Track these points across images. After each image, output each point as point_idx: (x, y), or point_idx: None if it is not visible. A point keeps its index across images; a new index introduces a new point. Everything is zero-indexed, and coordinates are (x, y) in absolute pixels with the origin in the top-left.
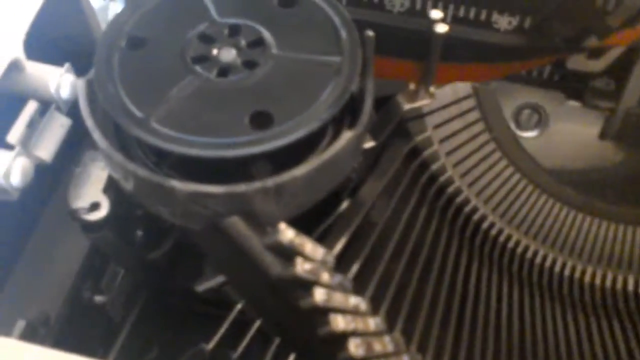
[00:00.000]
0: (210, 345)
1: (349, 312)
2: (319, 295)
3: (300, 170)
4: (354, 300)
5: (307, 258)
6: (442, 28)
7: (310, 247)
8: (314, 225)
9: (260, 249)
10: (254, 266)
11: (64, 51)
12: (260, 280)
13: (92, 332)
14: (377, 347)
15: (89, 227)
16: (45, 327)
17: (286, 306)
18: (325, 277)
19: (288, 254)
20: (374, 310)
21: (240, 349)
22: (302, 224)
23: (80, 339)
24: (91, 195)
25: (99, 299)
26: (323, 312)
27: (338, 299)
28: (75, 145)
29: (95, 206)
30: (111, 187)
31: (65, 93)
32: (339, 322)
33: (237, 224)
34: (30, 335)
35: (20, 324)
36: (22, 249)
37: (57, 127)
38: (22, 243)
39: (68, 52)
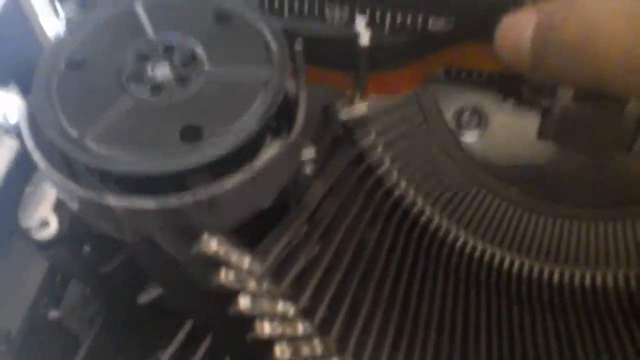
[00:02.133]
0: (166, 354)
1: (277, 318)
2: (243, 302)
3: (232, 181)
4: (282, 306)
5: (233, 267)
6: (364, 39)
7: (235, 256)
8: (263, 234)
9: (188, 260)
10: (184, 277)
11: (11, 69)
12: (192, 291)
13: (54, 348)
14: (305, 350)
15: (41, 245)
16: (6, 343)
17: (218, 314)
18: (251, 285)
19: (216, 262)
20: (309, 315)
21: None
22: (251, 234)
23: (41, 355)
24: (41, 213)
25: (53, 314)
26: (251, 319)
27: (264, 305)
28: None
29: (44, 224)
30: (62, 205)
31: (12, 117)
32: (265, 328)
33: (167, 235)
34: None
35: None
36: None
37: (5, 150)
38: None
39: (15, 71)
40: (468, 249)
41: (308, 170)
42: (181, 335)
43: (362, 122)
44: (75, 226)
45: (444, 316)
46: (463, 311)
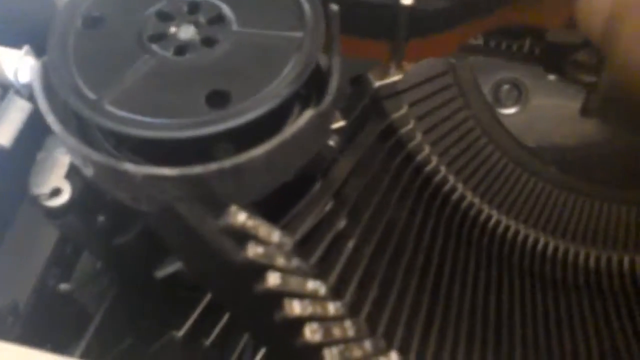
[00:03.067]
0: (182, 332)
1: (306, 297)
2: (272, 279)
3: (258, 151)
4: (312, 285)
5: (261, 241)
6: (407, 0)
7: (264, 229)
8: (286, 207)
9: (214, 232)
10: (207, 251)
11: (25, 31)
12: (215, 265)
13: (63, 321)
14: (337, 332)
15: (51, 214)
16: (14, 315)
17: (242, 291)
18: (280, 260)
19: (243, 236)
20: (339, 295)
21: (212, 335)
22: (273, 207)
23: (50, 328)
24: (53, 181)
25: (64, 287)
26: (278, 297)
27: (294, 283)
28: (39, 130)
29: (56, 192)
30: (75, 172)
31: (24, 77)
32: (294, 307)
33: (191, 207)
34: None
35: None
36: None
37: (17, 111)
38: None
39: (29, 32)
40: (501, 229)
41: (334, 142)
42: (197, 312)
43: (393, 93)
44: (88, 194)
45: (476, 299)
46: (496, 294)
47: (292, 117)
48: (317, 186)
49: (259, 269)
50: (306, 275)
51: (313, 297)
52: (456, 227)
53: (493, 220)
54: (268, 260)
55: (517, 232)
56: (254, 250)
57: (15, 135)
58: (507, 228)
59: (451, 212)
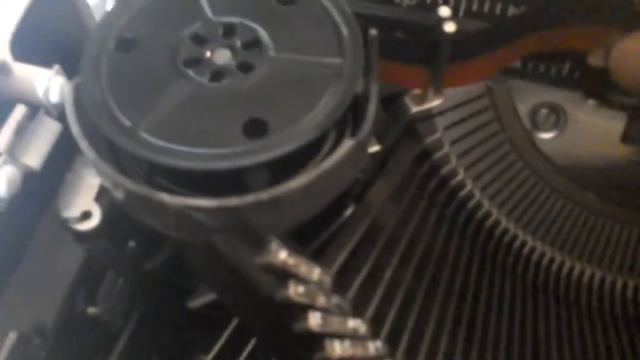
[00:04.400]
0: (209, 357)
1: (346, 336)
2: (314, 319)
3: (296, 182)
4: (352, 324)
5: (302, 279)
6: (450, 27)
7: (304, 267)
8: (317, 231)
9: (252, 267)
10: (246, 285)
11: (55, 50)
12: (253, 301)
13: (89, 342)
14: None
15: (81, 237)
16: (39, 337)
17: (281, 328)
18: (321, 300)
19: (282, 273)
20: (375, 331)
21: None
22: (304, 231)
23: (76, 349)
24: (82, 204)
25: (92, 310)
26: (319, 336)
27: (334, 323)
28: (67, 149)
29: (86, 215)
30: (104, 194)
31: (54, 96)
32: (336, 348)
33: (229, 240)
34: (24, 345)
35: (13, 336)
36: (15, 259)
37: (47, 132)
38: (14, 253)
39: (59, 51)
40: (535, 256)
41: (367, 166)
42: (224, 337)
43: (427, 117)
44: (118, 218)
45: (512, 328)
46: (532, 323)
47: (327, 143)
48: (349, 211)
49: (299, 308)
50: (345, 313)
51: (353, 336)
52: (491, 254)
53: (528, 247)
54: (309, 300)
55: (552, 260)
56: (295, 290)
57: (45, 157)
58: (542, 255)
59: (485, 239)
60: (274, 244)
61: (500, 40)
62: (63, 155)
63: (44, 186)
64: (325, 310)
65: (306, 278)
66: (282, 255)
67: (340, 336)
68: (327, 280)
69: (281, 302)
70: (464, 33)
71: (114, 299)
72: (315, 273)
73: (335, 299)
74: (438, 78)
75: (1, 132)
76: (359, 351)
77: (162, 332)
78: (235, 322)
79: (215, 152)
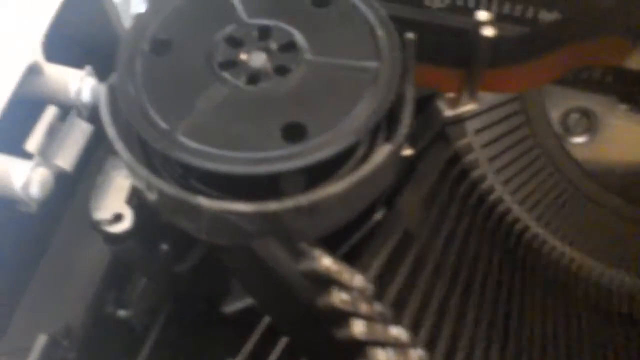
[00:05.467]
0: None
1: (388, 344)
2: (358, 327)
3: (336, 188)
4: (394, 332)
5: (344, 286)
6: (489, 31)
7: (347, 275)
8: (346, 235)
9: (293, 273)
10: (286, 291)
11: (85, 51)
12: (293, 306)
13: (116, 344)
14: None
15: (112, 239)
16: (68, 339)
17: (321, 334)
18: (363, 307)
19: (323, 280)
20: (414, 338)
21: None
22: (333, 234)
23: (103, 351)
24: (114, 206)
25: (122, 312)
26: (361, 344)
27: (378, 331)
28: (94, 150)
29: (118, 218)
30: (135, 196)
31: (86, 97)
32: (379, 357)
33: (269, 245)
34: (53, 348)
35: (42, 339)
36: (41, 260)
37: (78, 133)
38: (41, 254)
39: (88, 52)
40: (565, 261)
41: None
42: (253, 340)
43: (457, 120)
44: (150, 221)
45: (545, 334)
46: (565, 329)
47: (361, 149)
48: (379, 215)
49: (341, 315)
50: (387, 320)
51: (394, 344)
52: (520, 258)
53: (557, 252)
54: (352, 307)
55: (581, 265)
56: (338, 297)
57: (76, 158)
58: (571, 260)
59: (515, 243)
60: (317, 251)
61: (538, 49)
62: (91, 154)
63: (70, 185)
64: (367, 318)
65: (348, 285)
66: (326, 261)
67: (382, 344)
68: (370, 287)
69: (322, 309)
70: (501, 38)
71: (144, 301)
72: (358, 280)
73: (378, 307)
74: (473, 82)
75: (33, 133)
76: (401, 359)
77: (190, 335)
78: (264, 325)
79: (254, 156)
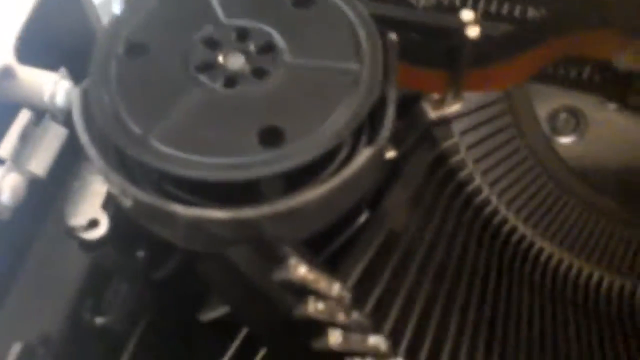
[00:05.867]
0: None
1: (367, 354)
2: (334, 337)
3: (315, 193)
4: (372, 340)
5: (321, 295)
6: (474, 31)
7: (324, 283)
8: (329, 238)
9: (269, 282)
10: (262, 300)
11: (61, 52)
12: (269, 316)
13: (94, 352)
14: None
15: (87, 246)
16: (45, 346)
17: (299, 345)
18: (341, 316)
19: (300, 289)
20: (394, 346)
21: None
22: (315, 238)
23: (81, 359)
24: (89, 212)
25: (100, 320)
26: (339, 355)
27: (356, 341)
28: (72, 155)
29: (93, 223)
30: (111, 202)
31: (60, 101)
32: None
33: (244, 253)
34: (28, 356)
35: (17, 347)
36: (17, 267)
37: (53, 138)
38: (17, 261)
39: (65, 54)
40: (553, 263)
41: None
42: (233, 348)
43: (444, 121)
44: (126, 227)
45: (532, 337)
46: (552, 332)
47: (342, 152)
48: (363, 218)
49: (318, 324)
50: (365, 329)
51: (374, 353)
52: (508, 261)
53: (545, 254)
54: (329, 317)
55: (570, 267)
56: (314, 306)
57: (51, 164)
58: (559, 262)
59: (502, 245)
60: (293, 259)
61: (522, 46)
62: (68, 161)
63: (48, 193)
64: (345, 327)
65: (325, 293)
66: (302, 270)
67: (360, 354)
68: (347, 295)
69: (299, 319)
70: (485, 37)
71: (121, 308)
72: (335, 288)
73: (355, 315)
74: (458, 82)
75: (5, 138)
76: None
77: (170, 342)
78: (244, 332)
79: (230, 162)
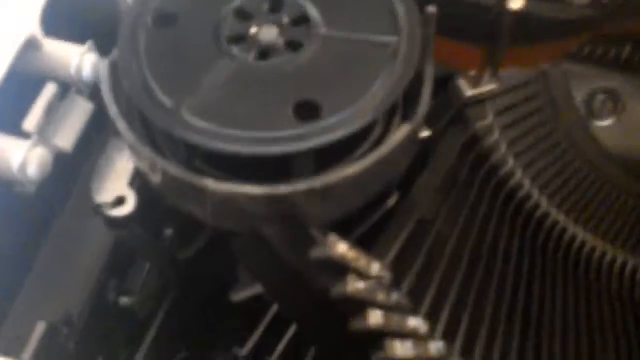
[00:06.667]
0: (244, 351)
1: (406, 336)
2: (375, 318)
3: (351, 169)
4: (412, 322)
5: (360, 274)
6: (516, 3)
7: (364, 262)
8: (358, 220)
9: (306, 260)
10: (297, 279)
11: (85, 27)
12: (304, 294)
13: (118, 332)
14: None
15: (114, 223)
16: (68, 326)
17: (333, 324)
18: (380, 297)
19: (338, 267)
20: (431, 328)
21: (276, 353)
22: (344, 219)
23: (105, 339)
24: (116, 189)
25: (124, 300)
26: (378, 335)
27: (395, 321)
28: (96, 130)
29: (120, 201)
30: (138, 179)
31: (86, 74)
32: (397, 349)
33: (280, 231)
34: (52, 336)
35: (41, 326)
36: (41, 245)
37: (79, 112)
38: (40, 238)
39: (89, 28)
40: (586, 249)
41: None
42: (261, 329)
43: (478, 100)
44: (152, 204)
45: (567, 321)
46: (585, 316)
47: (376, 129)
48: (393, 199)
49: (357, 305)
50: (404, 310)
51: (412, 335)
52: (540, 245)
53: (579, 240)
54: (369, 296)
55: (604, 253)
56: (354, 285)
57: (77, 138)
58: (593, 248)
59: (535, 230)
60: (332, 237)
61: (565, 32)
62: (93, 134)
63: (71, 166)
64: (384, 308)
65: (364, 273)
66: (342, 248)
67: (399, 335)
68: (387, 275)
69: (337, 298)
70: (528, 13)
71: (146, 288)
72: (375, 267)
73: (395, 296)
74: (496, 60)
75: (31, 112)
76: (420, 351)
77: (194, 323)
78: (271, 313)
79: (265, 136)
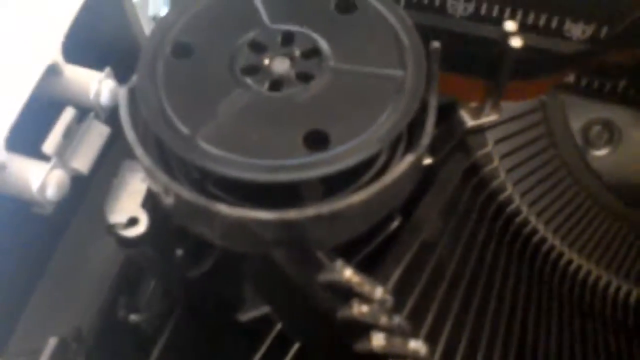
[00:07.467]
0: None
1: (407, 357)
2: (378, 340)
3: (358, 197)
4: (413, 345)
5: (364, 298)
6: (517, 42)
7: (368, 286)
8: (361, 243)
9: (313, 283)
10: (304, 301)
11: (104, 53)
12: (310, 316)
13: (126, 348)
14: None
15: (126, 243)
16: (78, 342)
17: (337, 345)
18: (383, 320)
19: (343, 291)
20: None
21: None
22: (348, 243)
23: (113, 355)
24: (129, 209)
25: (133, 317)
26: (380, 357)
27: (397, 344)
28: (108, 151)
29: (133, 221)
30: (152, 201)
31: (104, 99)
32: None
33: (289, 254)
34: (63, 351)
35: (53, 341)
36: (52, 261)
37: (96, 136)
38: (52, 255)
39: (107, 55)
40: (581, 274)
41: None
42: (263, 349)
43: (478, 130)
44: (165, 225)
45: (562, 348)
46: (581, 343)
47: (381, 158)
48: (395, 224)
49: (361, 327)
50: (406, 333)
51: (413, 357)
52: (537, 271)
53: (574, 265)
54: (372, 320)
55: (598, 279)
56: (358, 309)
57: (93, 161)
58: (588, 274)
59: (532, 255)
60: (339, 262)
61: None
62: (109, 159)
63: (83, 186)
64: (387, 331)
65: (369, 297)
66: (348, 272)
67: (401, 357)
68: (390, 299)
69: (342, 320)
70: (528, 49)
71: (155, 306)
72: (378, 292)
73: (397, 319)
74: (498, 92)
75: (51, 135)
76: None
77: (200, 341)
78: (275, 331)
79: (276, 164)
